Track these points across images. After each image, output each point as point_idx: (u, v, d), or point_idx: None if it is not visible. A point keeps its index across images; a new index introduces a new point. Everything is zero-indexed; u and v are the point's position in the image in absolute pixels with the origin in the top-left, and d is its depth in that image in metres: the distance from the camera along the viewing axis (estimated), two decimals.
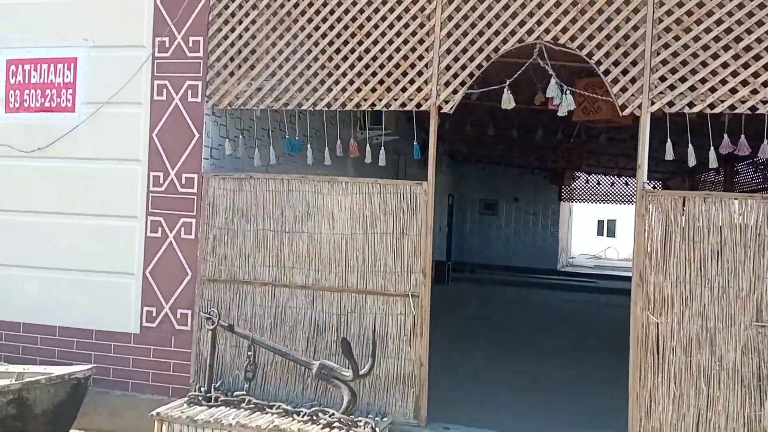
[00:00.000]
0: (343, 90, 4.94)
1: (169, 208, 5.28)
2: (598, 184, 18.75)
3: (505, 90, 4.67)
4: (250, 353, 4.78)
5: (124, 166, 5.40)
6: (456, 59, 4.69)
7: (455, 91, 4.69)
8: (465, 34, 4.67)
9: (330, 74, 4.97)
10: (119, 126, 5.41)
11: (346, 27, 4.93)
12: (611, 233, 30.46)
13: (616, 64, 4.43)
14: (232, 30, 5.17)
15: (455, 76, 4.69)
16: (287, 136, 5.42)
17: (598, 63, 4.45)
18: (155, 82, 5.33)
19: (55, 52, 5.60)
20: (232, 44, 5.18)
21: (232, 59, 5.18)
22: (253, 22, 5.12)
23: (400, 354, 4.80)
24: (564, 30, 4.50)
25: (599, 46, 4.44)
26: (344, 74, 4.93)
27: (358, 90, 4.90)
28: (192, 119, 5.25)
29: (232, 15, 5.18)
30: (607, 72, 4.44)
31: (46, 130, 5.55)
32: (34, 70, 5.65)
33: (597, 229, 30.97)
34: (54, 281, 5.48)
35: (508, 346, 8.89)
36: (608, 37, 4.41)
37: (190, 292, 5.21)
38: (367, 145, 5.18)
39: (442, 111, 4.72)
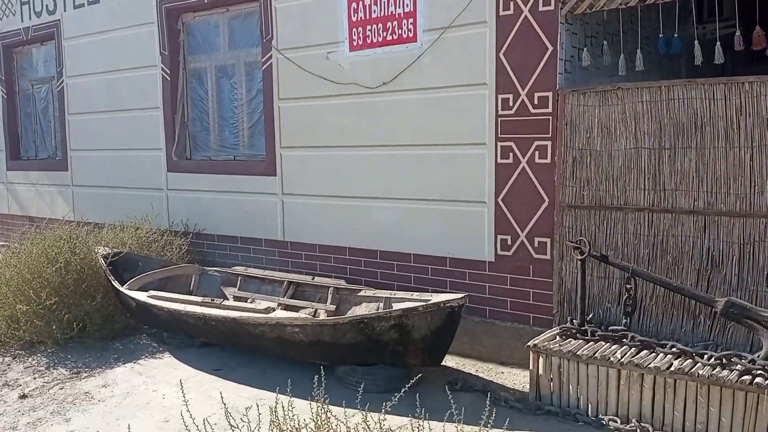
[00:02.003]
0: None
1: (520, 131, 4.65)
2: None
3: None
4: (629, 286, 4.00)
5: (470, 92, 4.86)
6: None
7: None
8: None
9: None
10: (463, 50, 4.86)
11: None
12: None
13: None
14: None
15: None
16: (660, 36, 4.34)
17: None
18: None
19: None
20: None
21: None
22: None
23: None
24: None
25: None
26: None
27: None
28: (544, 31, 4.47)
29: None
30: None
31: (389, 63, 5.26)
32: (374, 4, 5.36)
33: None
34: (407, 211, 5.29)
35: None
36: None
37: (547, 220, 4.58)
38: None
39: None
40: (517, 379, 4.45)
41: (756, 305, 3.63)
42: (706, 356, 3.60)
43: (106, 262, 5.69)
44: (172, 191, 7.11)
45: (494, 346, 4.80)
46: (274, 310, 4.46)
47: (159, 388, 4.41)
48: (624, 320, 4.03)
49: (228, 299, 5.64)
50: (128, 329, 5.73)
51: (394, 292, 4.89)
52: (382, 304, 4.89)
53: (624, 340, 3.94)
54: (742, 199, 3.81)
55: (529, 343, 4.02)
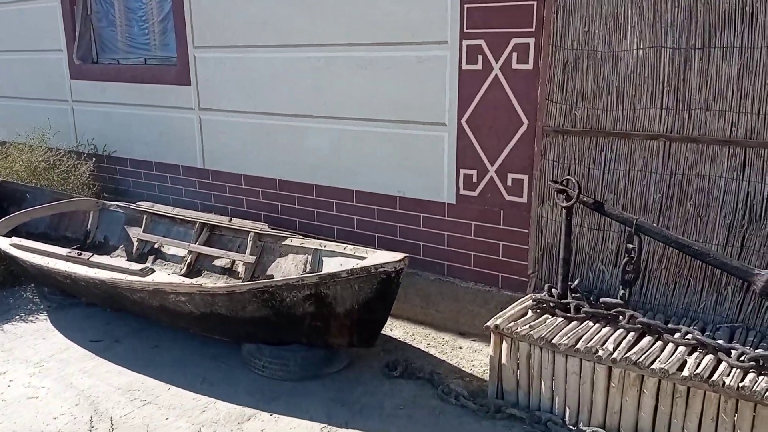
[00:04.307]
0: None
1: (493, 24, 3.42)
2: None
3: None
4: (630, 246, 2.95)
5: None
6: None
7: None
8: None
9: None
10: None
11: None
12: None
13: None
14: None
15: None
16: None
17: None
18: None
19: None
20: None
21: None
22: None
23: None
24: None
25: None
26: None
27: None
28: None
29: None
30: None
31: None
32: None
33: None
34: (348, 135, 4.14)
35: None
36: None
37: (526, 149, 3.46)
38: None
39: None
40: (477, 358, 3.50)
41: None
42: (735, 353, 2.59)
43: None
44: (78, 104, 5.93)
45: (452, 311, 3.82)
46: (153, 271, 3.44)
47: (10, 370, 3.47)
48: (621, 291, 3.01)
49: (132, 244, 4.64)
50: (14, 278, 4.76)
51: (324, 242, 3.85)
52: (310, 257, 3.87)
53: (620, 319, 2.94)
54: None
55: (489, 323, 3.02)
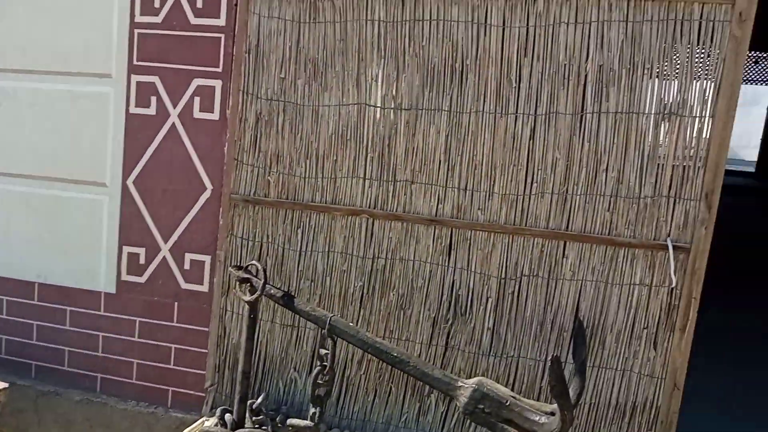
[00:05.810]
0: None
1: (171, 58, 2.70)
2: None
3: None
4: (325, 351, 2.32)
5: None
6: None
7: None
8: None
9: None
10: None
11: None
12: None
13: None
14: None
15: None
16: None
17: None
18: None
19: None
20: None
21: None
22: None
23: (632, 362, 2.32)
24: None
25: None
26: None
27: None
28: None
29: None
30: None
31: None
32: None
33: None
34: None
35: None
36: None
37: (209, 223, 2.71)
38: None
39: None
40: None
41: (517, 389, 2.19)
42: None
43: None
44: None
45: None
46: None
47: None
48: (312, 410, 2.33)
49: None
50: None
51: None
52: None
53: None
54: (510, 202, 2.37)
55: None
